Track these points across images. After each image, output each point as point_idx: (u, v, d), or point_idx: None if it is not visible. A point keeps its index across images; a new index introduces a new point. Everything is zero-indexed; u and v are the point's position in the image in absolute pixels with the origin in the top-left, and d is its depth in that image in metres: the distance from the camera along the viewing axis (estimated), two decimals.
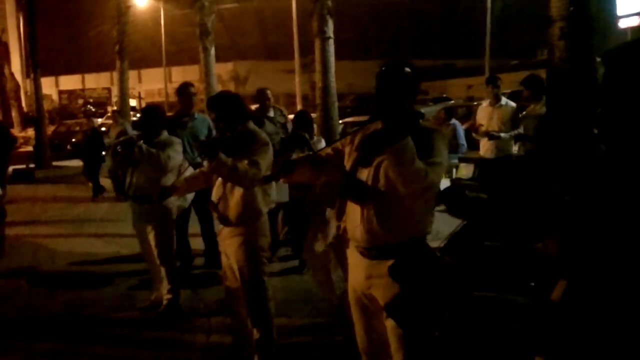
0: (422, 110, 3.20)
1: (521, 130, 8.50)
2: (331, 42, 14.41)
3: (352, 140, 3.33)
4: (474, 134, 9.66)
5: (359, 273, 3.27)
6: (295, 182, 4.72)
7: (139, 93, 49.90)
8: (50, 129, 28.98)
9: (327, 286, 5.75)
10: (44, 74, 26.02)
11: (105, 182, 14.55)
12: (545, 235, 3.84)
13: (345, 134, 6.34)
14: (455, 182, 10.45)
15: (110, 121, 16.27)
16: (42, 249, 9.27)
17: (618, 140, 2.89)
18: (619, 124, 2.86)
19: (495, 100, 8.93)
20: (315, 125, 7.81)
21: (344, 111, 22.84)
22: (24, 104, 39.91)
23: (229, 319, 4.96)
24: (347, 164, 3.29)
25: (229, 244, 4.61)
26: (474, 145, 10.56)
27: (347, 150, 3.34)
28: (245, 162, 4.33)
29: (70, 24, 57.96)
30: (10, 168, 13.35)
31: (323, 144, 7.02)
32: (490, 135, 8.75)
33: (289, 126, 8.37)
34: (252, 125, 4.71)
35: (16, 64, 45.15)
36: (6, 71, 37.66)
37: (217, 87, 20.81)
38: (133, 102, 39.54)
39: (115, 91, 38.95)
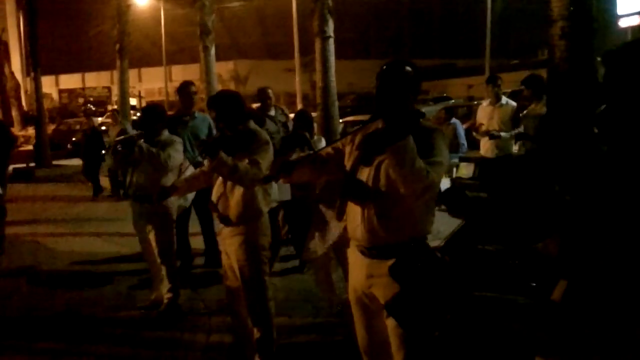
0: (423, 110, 3.20)
1: (521, 129, 8.50)
2: (331, 41, 14.40)
3: (352, 139, 3.33)
4: (474, 134, 9.66)
5: (360, 272, 3.27)
6: (295, 182, 4.72)
7: (139, 92, 49.85)
8: (51, 128, 28.98)
9: (327, 286, 5.75)
10: (44, 73, 26.02)
11: (105, 181, 14.58)
12: (546, 235, 3.85)
13: (345, 133, 6.34)
14: (456, 182, 10.44)
15: (110, 120, 16.25)
16: (42, 248, 9.27)
17: (619, 140, 2.88)
18: (619, 123, 2.85)
19: (496, 99, 8.93)
20: (315, 125, 7.81)
21: (344, 110, 22.82)
22: (24, 103, 39.87)
23: (230, 319, 4.95)
24: (348, 163, 3.29)
25: (230, 243, 4.60)
26: (474, 144, 10.56)
27: (347, 149, 3.34)
28: (246, 161, 4.33)
29: (70, 23, 57.97)
30: (11, 167, 13.32)
31: (323, 143, 7.03)
32: (490, 135, 8.76)
33: (290, 125, 8.36)
34: (252, 124, 4.71)
35: (16, 63, 45.14)
36: (6, 70, 37.58)
37: (218, 86, 20.80)
38: (133, 101, 39.54)
39: (115, 90, 38.94)
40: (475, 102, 18.00)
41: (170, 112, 7.87)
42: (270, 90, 8.71)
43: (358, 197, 3.18)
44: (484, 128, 8.95)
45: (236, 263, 4.57)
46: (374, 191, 3.10)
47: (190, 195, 6.50)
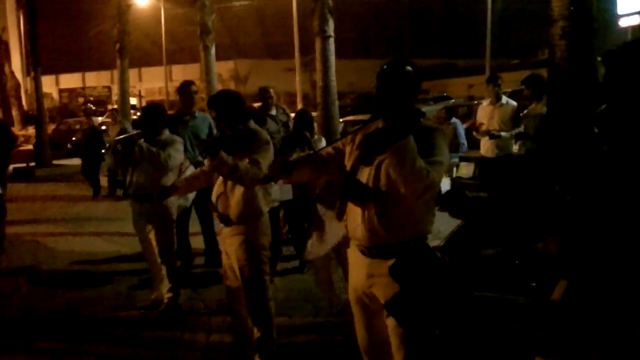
0: (423, 110, 3.19)
1: (522, 129, 8.50)
2: (332, 41, 14.40)
3: (353, 139, 3.32)
4: (474, 133, 9.66)
5: (360, 272, 3.27)
6: (295, 182, 4.72)
7: (140, 91, 49.87)
8: (51, 128, 28.99)
9: (327, 286, 5.75)
10: (45, 73, 26.01)
11: (104, 181, 14.59)
12: (546, 234, 3.84)
13: (345, 133, 6.35)
14: (456, 181, 10.44)
15: (109, 120, 16.26)
16: (43, 247, 9.28)
17: (619, 139, 2.88)
18: (619, 123, 2.86)
19: (496, 99, 8.93)
20: (315, 124, 7.81)
21: (345, 110, 22.82)
22: (24, 103, 39.85)
23: (230, 318, 4.95)
24: (348, 163, 3.29)
25: (230, 243, 4.60)
26: (474, 144, 10.56)
27: (348, 149, 3.33)
28: (246, 161, 4.32)
29: (70, 23, 57.93)
30: (11, 167, 13.33)
31: (324, 142, 7.03)
32: (491, 135, 8.76)
33: (291, 124, 8.36)
34: (252, 124, 4.70)
35: (16, 63, 45.11)
36: (6, 69, 37.55)
37: (218, 86, 20.79)
38: (133, 101, 39.55)
39: (115, 90, 38.92)
40: (476, 102, 18.00)
41: (170, 112, 7.88)
42: (271, 90, 8.71)
43: (358, 198, 3.18)
44: (484, 128, 8.95)
45: (236, 263, 4.57)
46: (375, 191, 3.10)
47: (191, 195, 6.50)
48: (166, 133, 6.14)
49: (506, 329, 3.68)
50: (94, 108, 31.72)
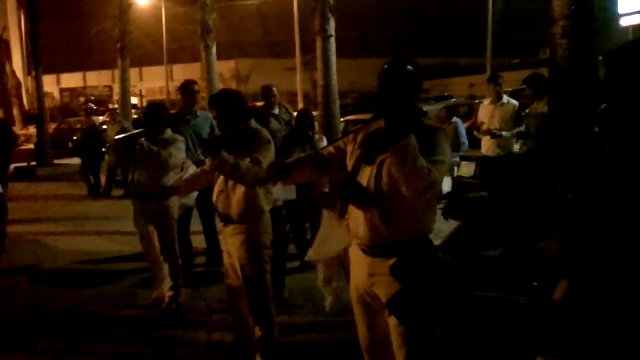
0: (424, 109, 3.19)
1: (522, 128, 8.50)
2: (333, 40, 14.38)
3: (355, 138, 3.33)
4: (475, 132, 9.65)
5: (362, 271, 3.27)
6: (293, 183, 4.72)
7: (140, 91, 49.82)
8: (52, 127, 28.96)
9: (328, 285, 5.76)
10: (46, 72, 26.01)
11: (102, 179, 14.61)
12: (548, 234, 3.84)
13: (347, 132, 6.35)
14: (457, 180, 10.44)
15: (108, 119, 16.29)
16: (44, 246, 9.29)
17: (620, 139, 2.89)
18: (620, 123, 2.86)
19: (497, 98, 8.93)
20: (316, 123, 7.81)
21: (346, 109, 22.81)
22: (25, 102, 39.82)
23: (231, 317, 4.95)
24: (350, 162, 3.29)
25: (231, 242, 4.60)
26: (475, 143, 10.56)
27: (349, 148, 3.33)
28: (247, 160, 4.32)
29: (71, 22, 57.91)
30: (12, 166, 13.35)
31: (325, 142, 7.03)
32: (492, 134, 8.76)
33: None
34: (253, 123, 4.70)
35: (17, 62, 45.06)
36: (7, 69, 37.52)
37: (219, 85, 20.79)
38: (134, 100, 39.51)
39: (116, 89, 38.88)
40: (477, 101, 18.01)
41: (172, 111, 7.88)
42: (274, 88, 8.67)
43: (357, 202, 3.18)
44: (485, 127, 8.95)
45: (237, 262, 4.57)
46: (376, 190, 3.10)
47: (194, 194, 6.51)
48: (168, 132, 6.14)
49: (507, 329, 3.68)
50: (94, 107, 31.65)
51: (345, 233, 3.38)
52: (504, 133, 8.68)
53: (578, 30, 7.28)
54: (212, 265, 7.39)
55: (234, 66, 51.69)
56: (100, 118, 23.70)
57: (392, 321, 3.15)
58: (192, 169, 5.93)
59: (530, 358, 3.34)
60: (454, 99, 24.64)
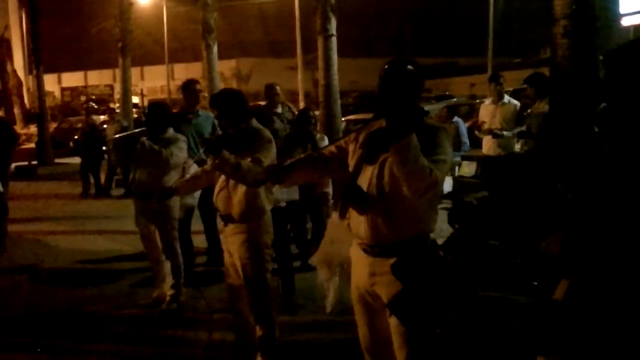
0: (425, 108, 3.19)
1: (524, 127, 8.49)
2: (334, 39, 14.37)
3: (356, 137, 3.32)
4: (476, 132, 9.65)
5: (362, 270, 3.27)
6: (295, 184, 4.72)
7: (142, 90, 49.83)
8: (53, 126, 28.99)
9: (329, 284, 5.75)
10: (47, 71, 26.02)
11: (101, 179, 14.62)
12: (548, 233, 3.84)
13: (348, 131, 6.34)
14: (458, 180, 10.44)
15: (109, 118, 16.32)
16: (44, 246, 9.29)
17: (620, 139, 2.88)
18: (620, 123, 2.85)
19: (498, 98, 8.93)
20: (317, 123, 7.80)
21: (347, 109, 22.82)
22: (26, 101, 39.82)
23: (232, 317, 4.95)
24: (352, 161, 3.28)
25: (232, 241, 4.60)
26: (476, 143, 10.55)
27: (351, 147, 3.33)
28: (249, 159, 4.32)
29: (72, 21, 58.02)
30: (13, 165, 13.35)
31: (326, 141, 7.03)
32: (493, 133, 8.76)
33: None
34: (255, 122, 4.70)
35: (19, 61, 45.07)
36: (9, 68, 37.50)
37: (220, 85, 20.78)
38: (136, 99, 39.52)
39: (117, 88, 38.90)
40: (478, 101, 18.02)
41: (173, 110, 7.88)
42: (277, 87, 8.64)
43: (358, 205, 3.18)
44: (486, 126, 8.95)
45: (239, 261, 4.57)
46: (378, 189, 3.10)
47: (197, 194, 6.52)
48: (170, 131, 6.14)
49: (508, 329, 3.68)
50: (95, 106, 31.69)
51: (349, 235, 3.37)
52: (505, 133, 8.68)
53: (579, 30, 7.27)
54: (213, 264, 7.39)
55: (235, 65, 51.72)
56: (102, 117, 23.73)
57: (393, 321, 3.14)
58: (193, 169, 5.93)
59: (531, 358, 3.33)
60: (455, 99, 24.67)
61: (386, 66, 3.17)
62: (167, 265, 6.21)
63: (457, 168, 11.03)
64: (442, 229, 4.11)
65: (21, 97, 38.68)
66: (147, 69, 55.70)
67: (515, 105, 8.89)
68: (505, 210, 4.51)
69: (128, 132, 6.26)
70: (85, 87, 63.74)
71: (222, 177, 4.58)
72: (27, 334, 5.75)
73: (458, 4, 54.53)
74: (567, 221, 3.69)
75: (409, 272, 3.04)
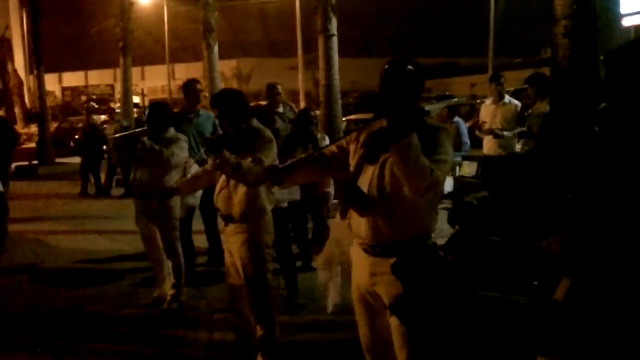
0: (426, 108, 3.19)
1: (524, 127, 8.49)
2: (334, 39, 14.37)
3: (357, 137, 3.32)
4: (477, 132, 9.66)
5: (363, 270, 3.27)
6: (295, 184, 4.71)
7: (142, 90, 49.87)
8: (53, 126, 29.02)
9: (329, 284, 5.75)
10: (47, 71, 26.02)
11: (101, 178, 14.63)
12: (549, 233, 3.84)
13: (349, 131, 6.35)
14: (458, 180, 10.45)
15: (109, 118, 16.33)
16: (45, 245, 9.29)
17: (620, 138, 2.88)
18: (620, 123, 2.85)
19: (499, 98, 8.93)
20: (318, 123, 7.79)
21: (347, 108, 22.81)
22: (27, 101, 39.88)
23: (232, 317, 4.95)
24: (353, 161, 3.28)
25: (233, 241, 4.60)
26: (477, 143, 10.56)
27: (352, 147, 3.33)
28: (249, 159, 4.32)
29: (73, 21, 58.05)
30: (13, 164, 13.36)
31: (327, 141, 7.03)
32: (494, 133, 8.76)
33: None
34: (255, 122, 4.70)
35: (19, 61, 45.13)
36: (9, 68, 37.55)
37: (220, 84, 20.78)
38: (136, 99, 39.54)
39: (118, 88, 38.91)
40: (478, 101, 18.03)
41: (175, 109, 7.88)
42: (279, 87, 8.60)
43: (358, 206, 3.18)
44: (486, 126, 8.95)
45: (239, 261, 4.57)
46: (379, 189, 3.10)
47: (199, 194, 6.52)
48: (171, 131, 6.14)
49: (508, 329, 3.67)
50: (96, 106, 31.70)
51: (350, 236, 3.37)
52: (505, 133, 8.68)
53: (580, 30, 7.28)
54: (214, 264, 7.39)
55: (236, 65, 51.73)
56: (102, 117, 23.77)
57: (393, 321, 3.14)
58: (194, 168, 5.94)
59: (531, 358, 3.33)
60: (456, 99, 24.68)
61: (386, 66, 3.17)
62: (168, 265, 6.22)
63: (457, 168, 11.03)
64: (442, 229, 4.11)
65: (22, 96, 38.74)
66: (147, 68, 55.71)
67: (516, 106, 8.90)
68: (506, 210, 4.51)
69: (129, 132, 6.26)
70: (86, 86, 63.77)
71: (223, 177, 4.58)
72: (27, 334, 5.75)
73: (458, 4, 54.56)
74: (567, 221, 3.68)
75: (409, 272, 3.04)
